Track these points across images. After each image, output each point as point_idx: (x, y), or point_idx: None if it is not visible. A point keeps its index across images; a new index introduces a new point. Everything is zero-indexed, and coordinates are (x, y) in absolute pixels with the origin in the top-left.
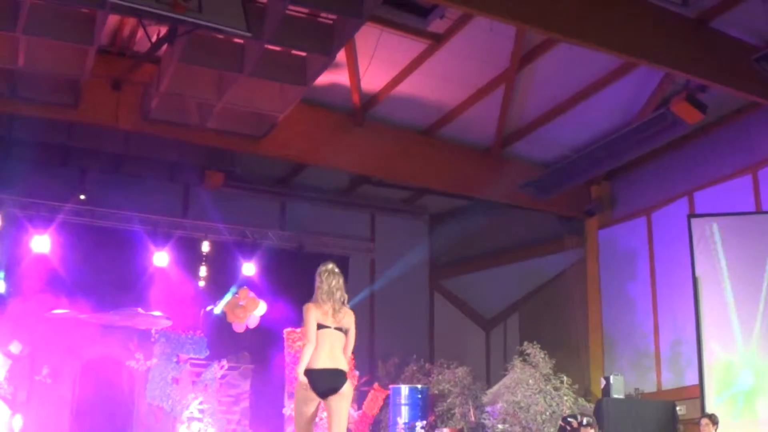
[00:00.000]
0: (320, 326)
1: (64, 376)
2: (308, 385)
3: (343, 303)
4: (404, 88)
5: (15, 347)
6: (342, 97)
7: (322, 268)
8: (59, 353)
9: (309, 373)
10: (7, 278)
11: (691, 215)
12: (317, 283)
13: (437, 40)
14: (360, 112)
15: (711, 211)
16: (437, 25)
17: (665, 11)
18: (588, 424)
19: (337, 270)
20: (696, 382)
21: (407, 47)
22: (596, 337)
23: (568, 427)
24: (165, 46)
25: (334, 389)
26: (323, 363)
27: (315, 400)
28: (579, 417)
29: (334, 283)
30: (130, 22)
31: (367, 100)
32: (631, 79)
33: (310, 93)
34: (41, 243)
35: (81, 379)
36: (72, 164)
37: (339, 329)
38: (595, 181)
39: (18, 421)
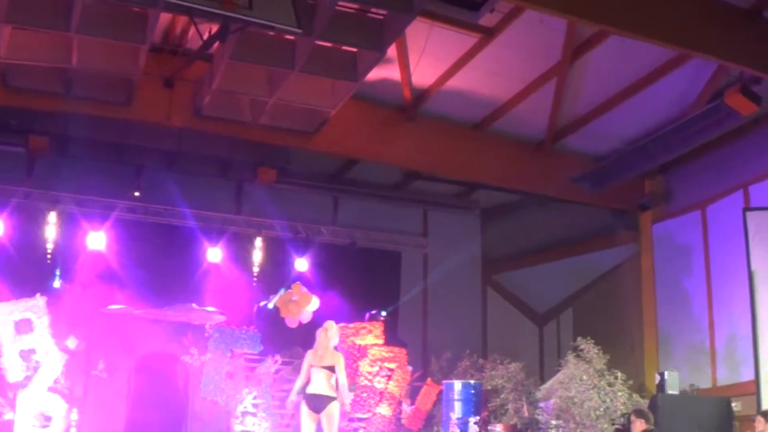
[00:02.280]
0: (312, 366)
1: (120, 371)
2: (307, 405)
3: (327, 349)
4: (455, 82)
5: (71, 342)
6: (393, 93)
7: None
8: (115, 348)
9: (306, 396)
10: (64, 275)
11: (747, 208)
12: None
13: (488, 33)
14: (411, 107)
15: (767, 204)
16: (488, 19)
17: (717, 2)
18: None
19: (325, 326)
20: (752, 377)
21: (458, 41)
22: (651, 332)
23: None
24: (216, 44)
25: (322, 408)
26: (313, 390)
27: (313, 414)
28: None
29: (322, 336)
30: (182, 20)
31: (419, 95)
32: (685, 71)
33: (362, 88)
34: (97, 239)
35: (136, 373)
36: (126, 161)
37: (325, 367)
38: (649, 175)
39: (75, 415)
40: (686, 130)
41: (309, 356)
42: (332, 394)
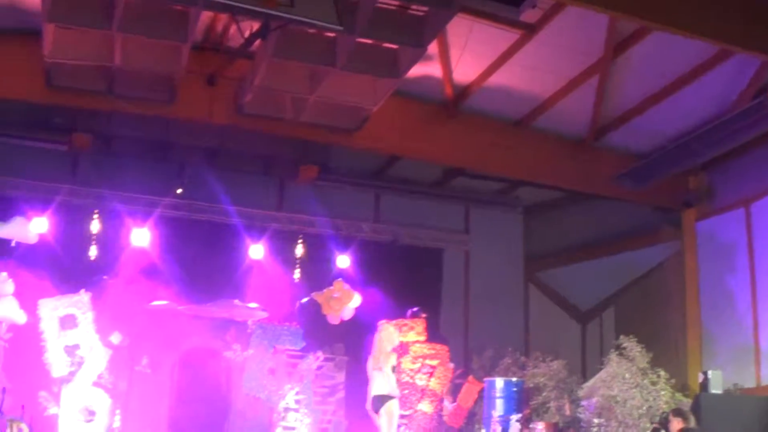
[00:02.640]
0: (373, 369)
1: (163, 367)
2: (372, 408)
3: (382, 351)
4: (497, 79)
5: (115, 338)
6: (434, 89)
7: None
8: (158, 344)
9: (371, 399)
10: (108, 271)
11: None
12: None
13: (530, 30)
14: (453, 103)
15: None
16: (529, 15)
17: None
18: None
19: (379, 328)
20: None
21: (499, 38)
22: (694, 331)
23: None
24: (258, 42)
25: (380, 407)
26: (373, 392)
27: (374, 414)
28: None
29: (377, 339)
30: (223, 18)
31: (460, 91)
32: (728, 67)
33: (403, 85)
34: (140, 236)
35: (179, 369)
36: (169, 159)
37: (381, 369)
38: (692, 172)
39: (118, 410)
40: (730, 127)
41: (370, 361)
42: (388, 392)
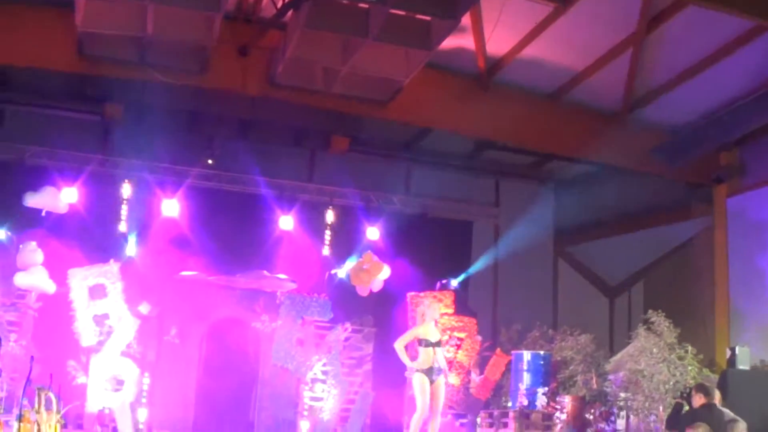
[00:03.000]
0: None
1: (192, 337)
2: None
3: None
4: (530, 51)
5: (144, 308)
6: (467, 62)
7: None
8: (187, 314)
9: None
10: (137, 241)
11: None
12: None
13: (563, 2)
14: (485, 76)
15: None
16: None
17: None
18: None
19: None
20: None
21: (533, 10)
22: (722, 307)
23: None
24: (290, 12)
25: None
26: None
27: None
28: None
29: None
30: None
31: (493, 64)
32: (762, 43)
33: (435, 57)
34: (170, 207)
35: (208, 339)
36: (200, 130)
37: None
38: (725, 148)
39: (147, 379)
40: (764, 103)
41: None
42: (413, 365)
